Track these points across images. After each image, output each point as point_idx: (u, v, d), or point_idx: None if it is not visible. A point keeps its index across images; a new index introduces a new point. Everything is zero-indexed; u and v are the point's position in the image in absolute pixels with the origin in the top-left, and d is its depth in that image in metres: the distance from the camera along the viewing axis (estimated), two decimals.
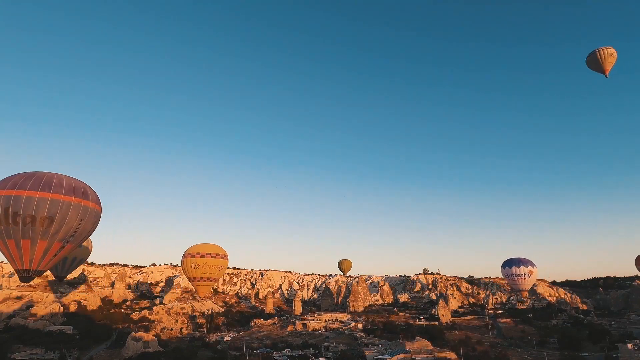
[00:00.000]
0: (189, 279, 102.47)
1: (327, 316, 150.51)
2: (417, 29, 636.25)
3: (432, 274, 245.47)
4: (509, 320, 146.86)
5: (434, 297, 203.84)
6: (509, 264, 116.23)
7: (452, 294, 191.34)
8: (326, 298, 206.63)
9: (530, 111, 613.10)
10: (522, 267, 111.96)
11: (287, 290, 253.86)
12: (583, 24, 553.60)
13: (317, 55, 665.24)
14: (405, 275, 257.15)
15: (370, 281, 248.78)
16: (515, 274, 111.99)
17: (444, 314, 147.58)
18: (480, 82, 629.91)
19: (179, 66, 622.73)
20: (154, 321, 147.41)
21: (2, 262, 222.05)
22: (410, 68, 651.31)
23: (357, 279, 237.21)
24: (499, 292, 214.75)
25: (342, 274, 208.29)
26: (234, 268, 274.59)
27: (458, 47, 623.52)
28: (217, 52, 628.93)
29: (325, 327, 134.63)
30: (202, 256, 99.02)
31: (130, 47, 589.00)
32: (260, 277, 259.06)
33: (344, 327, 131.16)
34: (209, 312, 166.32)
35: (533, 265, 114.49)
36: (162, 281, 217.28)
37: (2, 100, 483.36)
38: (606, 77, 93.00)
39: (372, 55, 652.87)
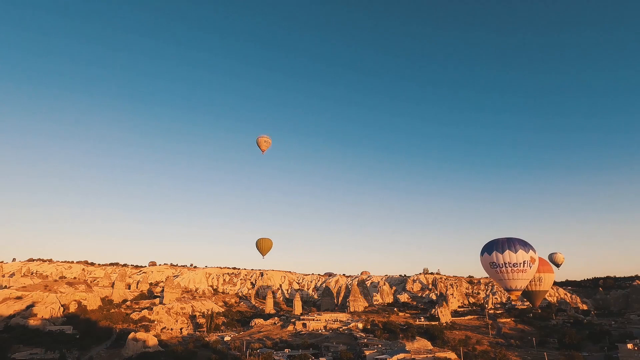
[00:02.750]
0: None
1: (327, 316, 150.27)
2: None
3: (432, 274, 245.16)
4: (509, 320, 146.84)
5: (434, 297, 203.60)
6: (493, 247, 72.51)
7: (452, 294, 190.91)
8: (326, 298, 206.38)
9: (530, 110, 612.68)
10: (507, 251, 68.05)
11: (287, 290, 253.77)
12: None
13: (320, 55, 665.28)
14: (405, 275, 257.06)
15: (370, 281, 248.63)
16: (502, 263, 68.98)
17: (444, 314, 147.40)
18: (480, 84, 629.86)
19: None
20: (154, 321, 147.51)
21: (1, 261, 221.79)
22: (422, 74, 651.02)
23: (357, 279, 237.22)
24: (499, 292, 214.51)
25: (261, 256, 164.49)
26: (234, 268, 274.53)
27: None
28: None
29: (325, 327, 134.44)
30: None
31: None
32: (260, 277, 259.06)
33: (344, 327, 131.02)
34: (209, 312, 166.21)
35: (527, 248, 70.38)
36: (162, 281, 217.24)
37: None
38: (262, 154, 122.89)
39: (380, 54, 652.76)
